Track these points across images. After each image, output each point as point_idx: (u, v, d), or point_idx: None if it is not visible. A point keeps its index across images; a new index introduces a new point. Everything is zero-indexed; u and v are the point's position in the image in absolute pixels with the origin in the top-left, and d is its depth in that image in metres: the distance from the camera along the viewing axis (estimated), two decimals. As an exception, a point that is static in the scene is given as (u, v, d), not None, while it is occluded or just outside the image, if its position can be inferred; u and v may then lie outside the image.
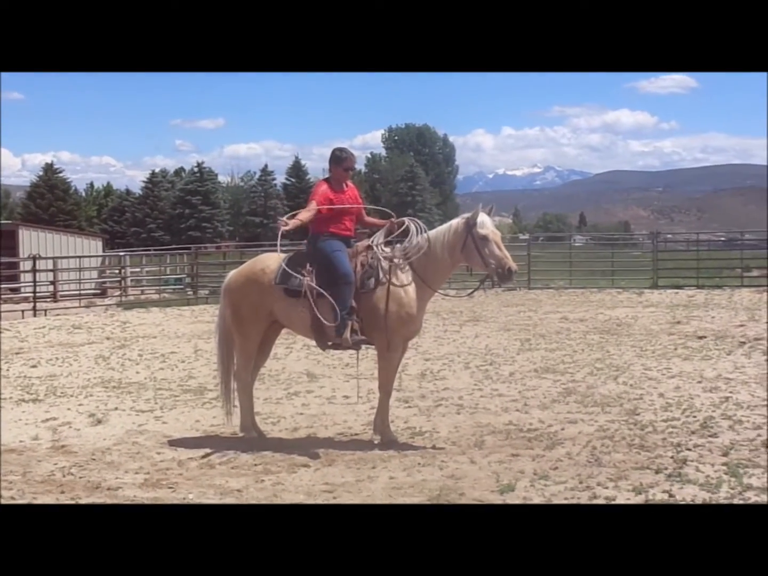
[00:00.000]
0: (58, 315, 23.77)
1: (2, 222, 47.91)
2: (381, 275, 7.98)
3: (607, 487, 6.45)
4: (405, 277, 7.99)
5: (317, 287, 7.87)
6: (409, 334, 8.28)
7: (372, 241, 8.12)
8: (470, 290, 8.71)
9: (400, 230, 8.18)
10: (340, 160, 8.27)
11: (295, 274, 8.00)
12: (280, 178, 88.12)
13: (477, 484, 6.65)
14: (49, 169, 77.40)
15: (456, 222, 8.07)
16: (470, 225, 7.85)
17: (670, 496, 6.17)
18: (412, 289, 7.98)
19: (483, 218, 7.85)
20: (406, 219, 8.26)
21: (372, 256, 8.06)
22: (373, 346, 8.25)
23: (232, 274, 8.65)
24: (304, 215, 8.02)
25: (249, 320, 8.26)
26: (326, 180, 8.32)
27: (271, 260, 8.39)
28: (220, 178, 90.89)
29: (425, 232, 8.09)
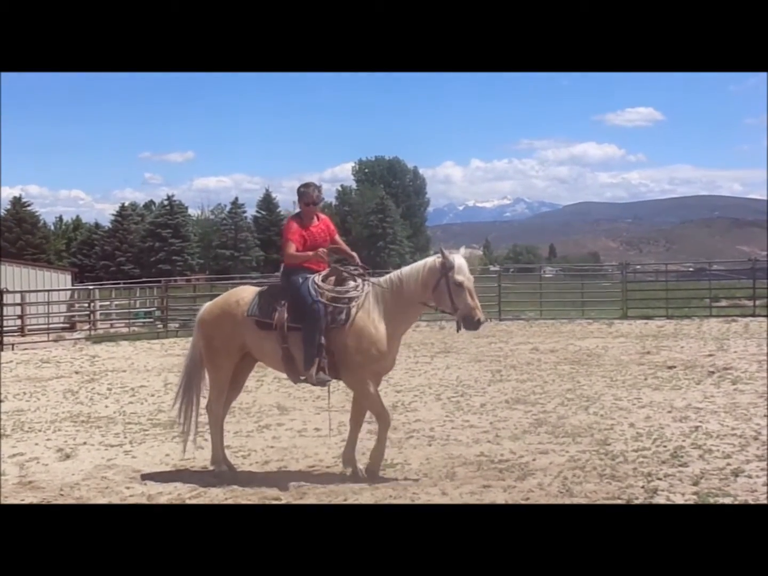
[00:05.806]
0: (26, 349, 23.54)
1: (-30, 256, 47.42)
2: (352, 311, 7.88)
3: (578, 518, 6.45)
4: (376, 313, 7.89)
5: (288, 321, 7.87)
6: (381, 370, 8.18)
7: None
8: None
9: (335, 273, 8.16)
10: (301, 195, 8.31)
11: (267, 307, 8.01)
12: (251, 211, 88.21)
13: (449, 516, 6.61)
14: (17, 202, 77.02)
15: (431, 261, 7.91)
16: (447, 268, 7.70)
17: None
18: (383, 326, 7.87)
19: (460, 262, 7.70)
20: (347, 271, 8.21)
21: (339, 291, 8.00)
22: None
23: (206, 305, 8.62)
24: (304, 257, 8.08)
25: (222, 352, 8.22)
26: (296, 216, 8.34)
27: (245, 293, 8.38)
28: (190, 211, 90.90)
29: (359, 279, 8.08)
